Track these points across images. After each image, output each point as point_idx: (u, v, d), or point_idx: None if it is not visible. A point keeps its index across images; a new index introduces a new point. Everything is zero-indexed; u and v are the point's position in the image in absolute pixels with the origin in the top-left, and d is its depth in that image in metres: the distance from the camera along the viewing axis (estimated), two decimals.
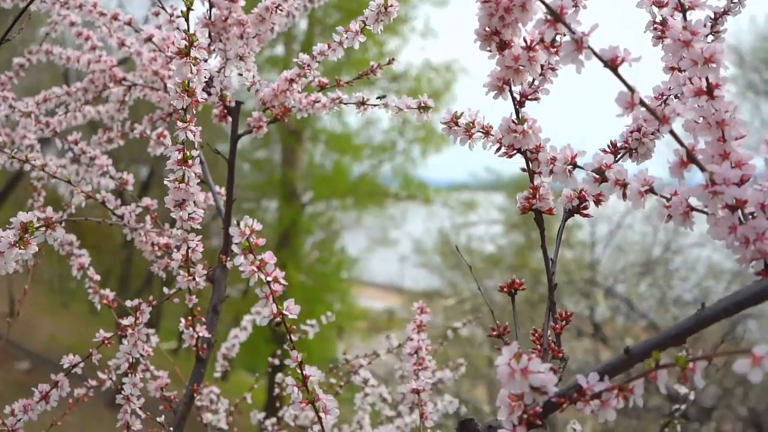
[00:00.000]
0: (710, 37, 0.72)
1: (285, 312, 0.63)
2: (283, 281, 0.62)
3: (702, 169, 0.51)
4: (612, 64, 0.50)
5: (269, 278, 0.62)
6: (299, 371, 0.64)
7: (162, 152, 1.16)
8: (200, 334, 0.96)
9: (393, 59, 1.01)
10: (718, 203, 0.51)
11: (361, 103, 0.96)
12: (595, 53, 0.50)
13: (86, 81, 1.19)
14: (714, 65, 0.53)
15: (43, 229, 0.66)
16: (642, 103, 0.50)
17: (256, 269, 0.61)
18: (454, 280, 9.47)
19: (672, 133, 0.51)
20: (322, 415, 0.64)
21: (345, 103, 0.98)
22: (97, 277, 1.09)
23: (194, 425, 1.44)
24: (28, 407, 0.88)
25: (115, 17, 1.08)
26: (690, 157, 0.51)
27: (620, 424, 6.66)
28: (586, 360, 7.17)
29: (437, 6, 10.16)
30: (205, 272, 0.90)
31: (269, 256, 0.62)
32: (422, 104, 0.85)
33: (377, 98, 0.96)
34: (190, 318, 0.96)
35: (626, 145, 0.68)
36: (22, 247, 0.67)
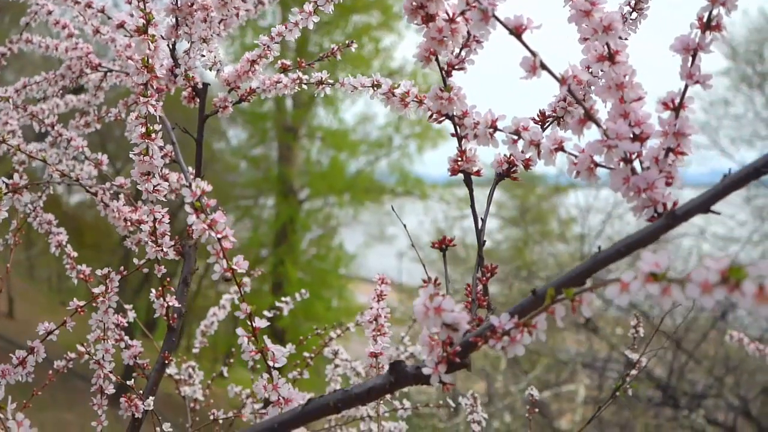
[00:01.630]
0: (634, 14, 0.77)
1: (234, 267, 0.68)
2: (232, 238, 0.68)
3: (598, 125, 0.56)
4: (516, 32, 0.56)
5: (220, 236, 0.67)
6: (249, 323, 0.70)
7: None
8: (170, 304, 1.02)
9: (352, 42, 1.06)
10: (614, 156, 0.56)
11: (320, 83, 1.01)
12: (500, 21, 0.55)
13: (63, 67, 1.24)
14: (613, 32, 0.58)
15: (11, 194, 0.71)
16: (543, 66, 0.55)
17: (207, 227, 0.66)
18: (453, 276, 9.54)
19: (571, 93, 0.56)
20: (270, 363, 0.70)
21: (305, 83, 1.03)
22: (75, 254, 1.14)
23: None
24: (6, 372, 0.93)
25: (88, 5, 1.13)
26: (588, 116, 0.57)
27: (616, 414, 6.73)
28: (579, 351, 7.24)
29: None
30: (172, 243, 0.95)
31: (219, 216, 0.67)
32: (375, 83, 0.90)
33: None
34: (160, 288, 1.01)
35: (554, 114, 0.73)
36: None
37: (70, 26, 1.24)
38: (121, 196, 1.09)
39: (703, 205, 0.52)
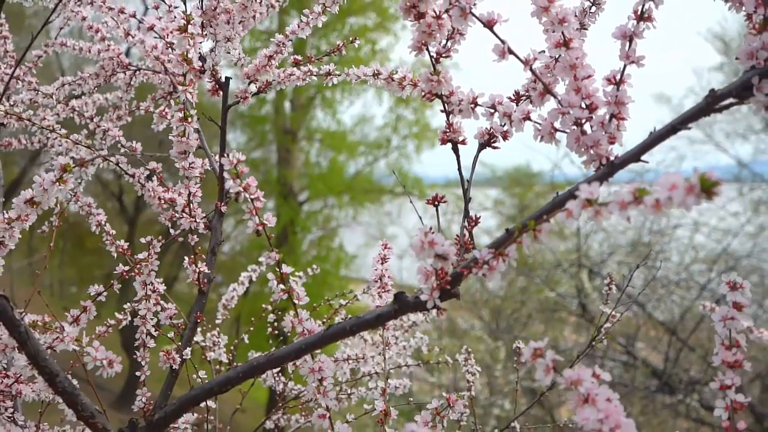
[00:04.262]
0: (593, 8, 0.92)
1: (265, 221, 0.83)
2: (262, 199, 0.82)
3: (555, 97, 0.71)
4: (489, 25, 0.71)
5: (253, 196, 0.82)
6: (278, 270, 0.85)
7: (164, 127, 1.36)
8: (201, 270, 1.16)
9: (355, 38, 1.21)
10: (568, 121, 0.71)
11: (328, 74, 1.16)
12: (476, 17, 0.70)
13: (97, 67, 1.39)
14: (566, 24, 0.73)
15: (78, 167, 0.86)
16: (510, 51, 0.70)
17: (242, 189, 0.81)
18: None
19: (533, 72, 0.71)
20: (296, 301, 0.85)
21: (315, 75, 1.18)
22: (113, 231, 1.29)
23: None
24: (62, 329, 1.08)
25: (121, 11, 1.28)
26: (546, 90, 0.72)
27: None
28: (578, 341, 7.39)
29: None
30: (204, 215, 1.10)
31: (252, 180, 0.82)
32: (376, 72, 1.05)
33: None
34: (192, 256, 1.16)
35: (526, 93, 0.88)
36: (61, 184, 0.87)
37: (103, 30, 1.39)
38: (154, 178, 1.24)
39: (635, 155, 0.67)
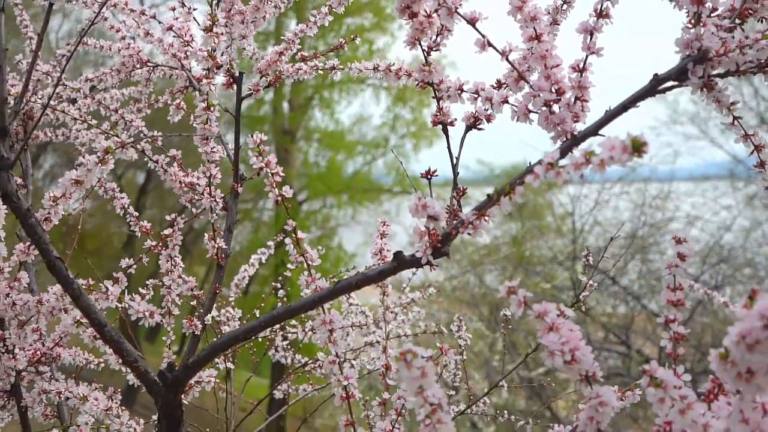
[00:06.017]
0: (565, 6, 1.05)
1: (284, 193, 0.96)
2: (281, 173, 0.95)
3: (527, 82, 0.85)
4: (472, 22, 0.84)
5: (273, 171, 0.95)
6: (294, 235, 0.98)
7: (179, 119, 1.49)
8: (220, 246, 1.29)
9: (356, 36, 1.34)
10: (539, 103, 0.84)
11: (332, 68, 1.29)
12: (461, 15, 0.83)
13: (118, 64, 1.52)
14: (538, 21, 0.86)
15: (120, 149, 0.99)
16: (489, 44, 0.83)
17: (264, 165, 0.94)
18: (452, 272, 9.83)
19: (509, 62, 0.85)
20: (309, 262, 0.98)
21: (321, 70, 1.31)
22: (136, 213, 1.41)
23: None
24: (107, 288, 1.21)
25: (142, 12, 1.41)
26: (520, 76, 0.85)
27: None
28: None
29: None
30: (223, 195, 1.23)
31: (272, 157, 0.95)
32: (376, 66, 1.18)
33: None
34: (212, 233, 1.29)
35: (506, 82, 1.01)
36: (103, 164, 0.99)
37: (123, 30, 1.52)
38: (175, 164, 1.37)
39: (594, 130, 0.80)
